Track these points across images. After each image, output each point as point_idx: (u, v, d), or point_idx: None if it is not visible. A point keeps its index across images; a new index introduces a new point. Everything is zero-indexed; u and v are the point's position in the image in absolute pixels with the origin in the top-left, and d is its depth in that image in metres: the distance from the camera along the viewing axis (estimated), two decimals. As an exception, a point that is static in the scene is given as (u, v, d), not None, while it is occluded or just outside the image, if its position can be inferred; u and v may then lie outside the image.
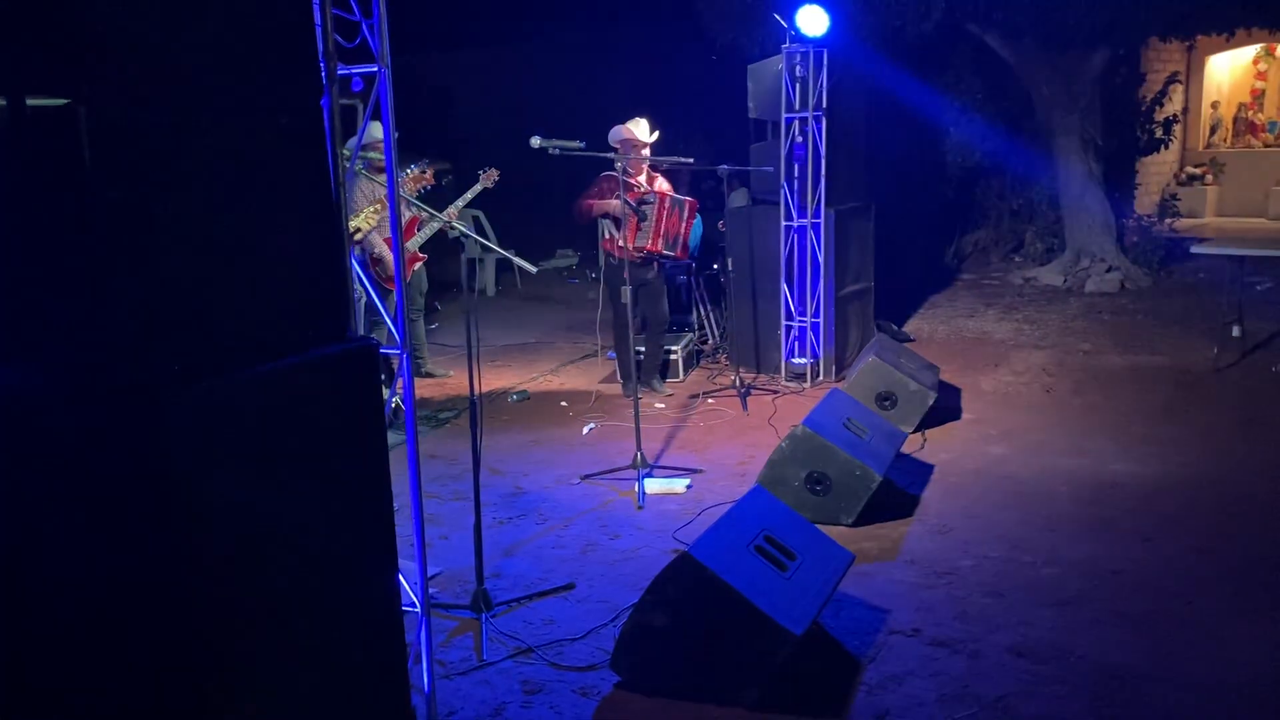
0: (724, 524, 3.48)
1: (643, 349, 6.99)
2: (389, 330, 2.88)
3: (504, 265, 11.87)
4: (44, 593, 2.07)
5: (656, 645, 3.25)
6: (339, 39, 2.60)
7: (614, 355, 7.37)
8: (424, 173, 5.90)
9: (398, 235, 2.93)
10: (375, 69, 2.73)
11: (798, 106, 6.99)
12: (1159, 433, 5.84)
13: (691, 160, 5.93)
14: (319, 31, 2.49)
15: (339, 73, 2.58)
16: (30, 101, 1.87)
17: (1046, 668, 3.37)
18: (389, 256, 6.04)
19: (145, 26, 1.88)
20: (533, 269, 4.00)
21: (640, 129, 6.45)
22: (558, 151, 4.94)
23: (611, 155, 5.92)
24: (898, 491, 5.00)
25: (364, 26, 2.63)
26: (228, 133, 2.03)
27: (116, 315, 1.88)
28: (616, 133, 6.41)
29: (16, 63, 1.89)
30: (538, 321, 9.87)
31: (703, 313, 8.31)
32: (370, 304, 5.63)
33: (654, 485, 5.15)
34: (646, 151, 6.45)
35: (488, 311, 10.30)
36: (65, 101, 1.79)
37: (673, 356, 7.33)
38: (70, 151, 1.81)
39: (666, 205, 6.41)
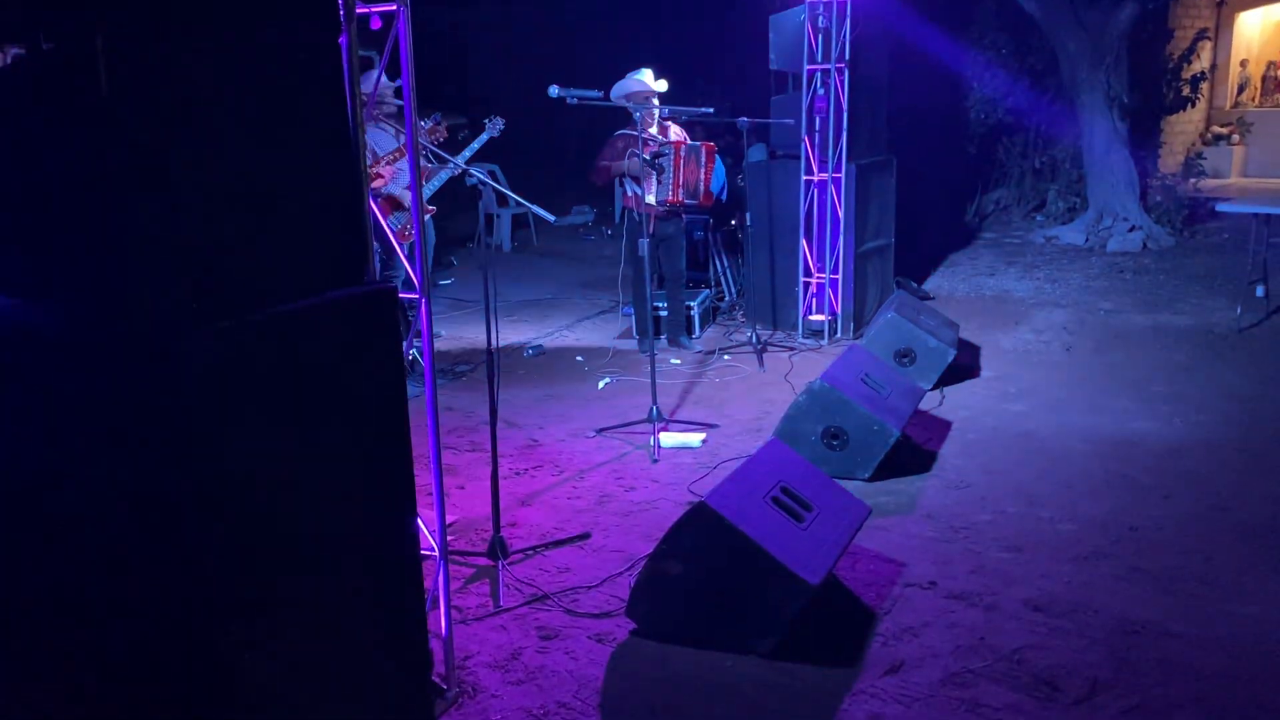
0: (740, 475, 3.47)
1: (663, 305, 6.96)
2: (406, 276, 2.85)
3: (519, 221, 11.82)
4: (61, 532, 2.07)
5: (672, 593, 3.26)
6: (357, -24, 2.54)
7: (630, 311, 7.34)
8: (437, 125, 5.84)
9: (417, 184, 2.89)
10: (394, 8, 2.68)
11: (820, 58, 6.89)
12: (1180, 391, 5.79)
13: (711, 111, 5.85)
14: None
15: (357, 10, 2.54)
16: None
17: (1063, 622, 3.36)
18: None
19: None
20: (551, 218, 3.97)
21: (647, 78, 6.35)
22: (575, 101, 4.87)
23: (627, 104, 5.84)
24: (915, 447, 4.98)
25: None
26: (247, 68, 1.99)
27: (133, 253, 1.86)
28: (624, 86, 6.31)
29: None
30: (553, 277, 9.85)
31: (719, 268, 8.26)
32: (381, 258, 5.62)
33: (669, 439, 5.14)
34: (656, 101, 6.35)
35: (503, 267, 10.29)
36: (83, 33, 1.76)
37: (689, 313, 7.30)
38: (88, 84, 1.78)
39: (682, 154, 6.34)
